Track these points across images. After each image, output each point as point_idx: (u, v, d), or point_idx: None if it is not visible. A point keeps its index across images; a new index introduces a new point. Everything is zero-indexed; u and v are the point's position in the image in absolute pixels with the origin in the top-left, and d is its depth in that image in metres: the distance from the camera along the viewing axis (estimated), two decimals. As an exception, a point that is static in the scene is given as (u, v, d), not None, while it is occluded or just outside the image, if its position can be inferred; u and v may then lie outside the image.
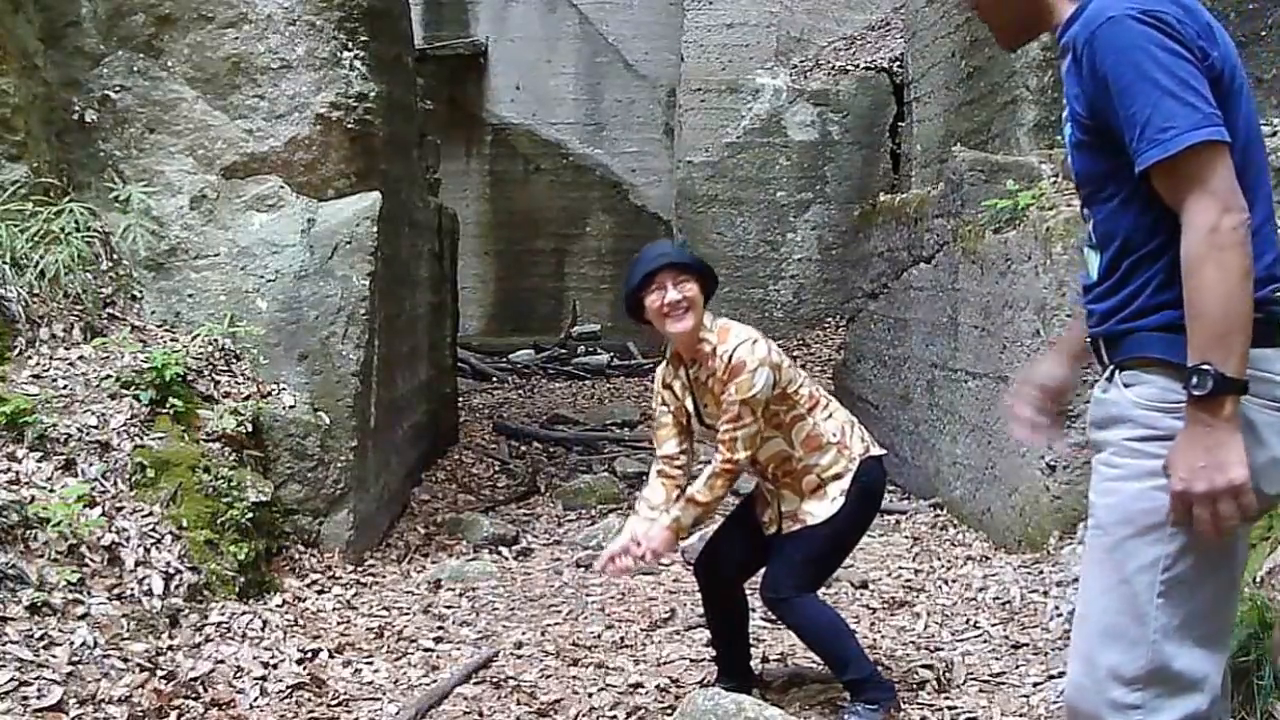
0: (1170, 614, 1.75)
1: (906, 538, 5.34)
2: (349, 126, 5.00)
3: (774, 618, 3.56)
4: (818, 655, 3.40)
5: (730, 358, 3.18)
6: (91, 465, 3.82)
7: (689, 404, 3.33)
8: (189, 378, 4.43)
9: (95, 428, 3.94)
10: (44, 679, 2.89)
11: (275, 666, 3.53)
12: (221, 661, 3.45)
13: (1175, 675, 1.75)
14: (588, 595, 4.62)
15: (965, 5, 1.98)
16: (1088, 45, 1.78)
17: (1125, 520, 1.79)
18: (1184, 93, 1.69)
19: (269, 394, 4.71)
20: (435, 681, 3.63)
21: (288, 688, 3.41)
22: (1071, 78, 1.84)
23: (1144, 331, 1.80)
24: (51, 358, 4.21)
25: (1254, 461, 1.70)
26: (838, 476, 3.26)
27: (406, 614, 4.29)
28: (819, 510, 3.26)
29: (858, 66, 11.34)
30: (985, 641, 3.89)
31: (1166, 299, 1.76)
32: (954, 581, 4.53)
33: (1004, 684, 3.53)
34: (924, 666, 3.63)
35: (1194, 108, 1.69)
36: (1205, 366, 1.66)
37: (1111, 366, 1.87)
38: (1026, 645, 3.78)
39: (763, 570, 3.43)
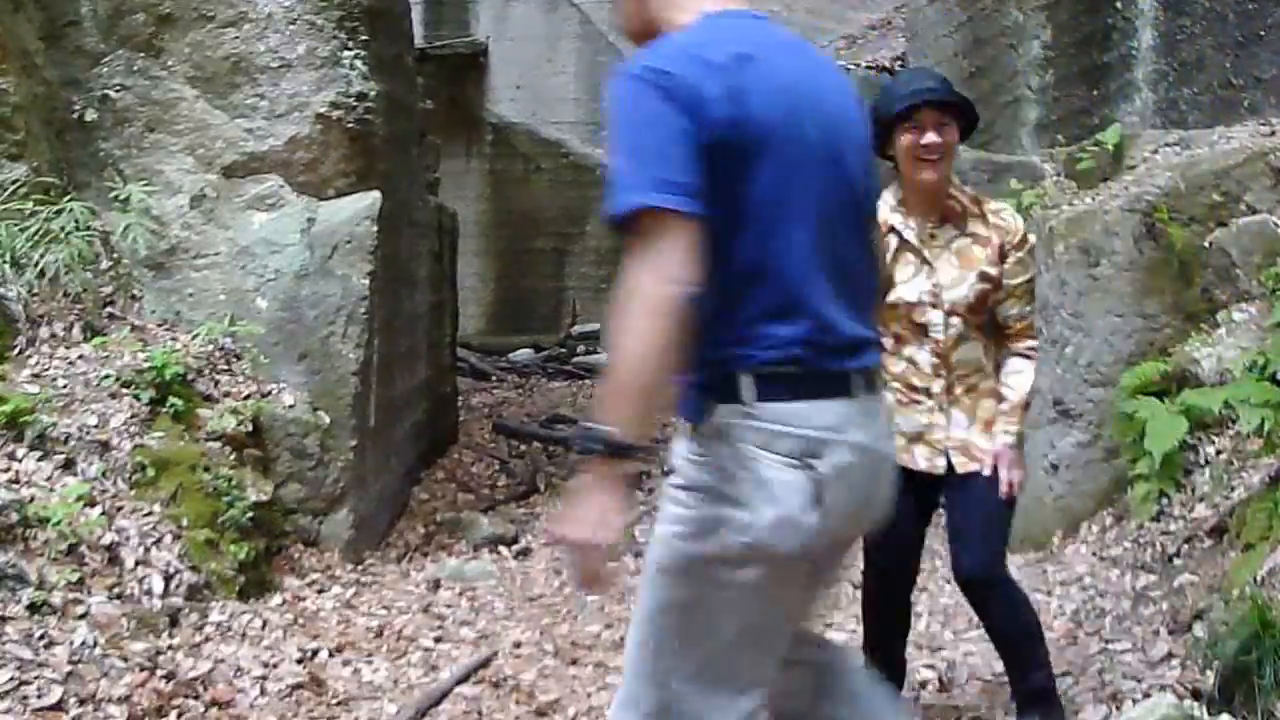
0: (681, 657, 1.76)
1: (907, 537, 5.33)
2: (349, 126, 4.99)
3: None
4: (1009, 652, 2.96)
5: (1016, 221, 2.86)
6: (91, 465, 3.81)
7: (912, 267, 2.85)
8: (189, 377, 4.42)
9: (95, 427, 3.94)
10: (44, 678, 2.89)
11: (275, 666, 3.53)
12: (221, 661, 3.45)
13: (680, 716, 1.77)
14: (587, 595, 4.62)
15: None
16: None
17: (653, 561, 1.82)
18: (647, 155, 1.68)
19: (269, 394, 4.71)
20: (434, 681, 3.62)
21: (288, 687, 3.41)
22: None
23: (678, 387, 1.81)
24: (51, 357, 4.21)
25: (765, 519, 1.70)
26: None
27: (406, 613, 4.28)
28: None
29: (859, 66, 11.32)
30: (987, 641, 3.87)
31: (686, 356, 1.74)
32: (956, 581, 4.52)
33: (1006, 683, 3.51)
34: (925, 666, 3.63)
35: (650, 171, 1.67)
36: (590, 426, 1.66)
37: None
38: (1027, 645, 3.77)
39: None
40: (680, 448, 1.81)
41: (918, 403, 2.86)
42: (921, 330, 2.84)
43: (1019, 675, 2.92)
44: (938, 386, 2.84)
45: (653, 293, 1.63)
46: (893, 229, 2.88)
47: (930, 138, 2.75)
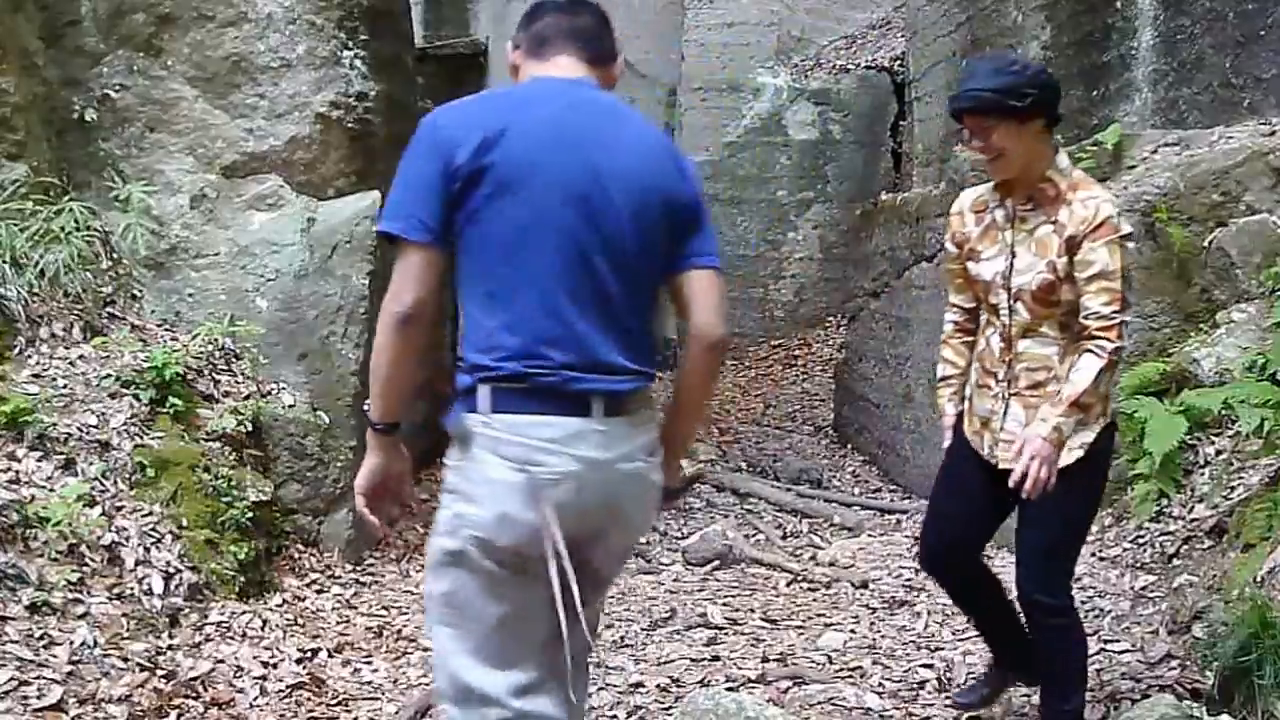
0: (454, 638, 2.05)
1: (907, 537, 5.33)
2: (349, 126, 5.00)
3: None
4: (1051, 679, 2.89)
5: (1098, 209, 2.64)
6: (91, 465, 3.81)
7: (998, 247, 2.80)
8: (189, 377, 4.42)
9: (95, 427, 3.94)
10: (44, 678, 2.90)
11: (275, 666, 3.54)
12: (221, 661, 3.46)
13: (467, 690, 2.04)
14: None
15: None
16: None
17: (427, 560, 2.12)
18: (403, 189, 1.99)
19: (269, 393, 4.71)
20: (434, 681, 3.62)
21: (287, 687, 3.42)
22: None
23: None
24: (51, 357, 4.21)
25: (489, 514, 1.97)
26: (1083, 424, 2.69)
27: (406, 613, 4.28)
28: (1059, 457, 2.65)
29: (859, 65, 11.34)
30: (986, 641, 3.89)
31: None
32: (954, 581, 4.52)
33: (1004, 684, 3.52)
34: (924, 666, 3.64)
35: (399, 204, 1.98)
36: (365, 406, 2.09)
37: None
38: (1027, 645, 3.77)
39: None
40: (448, 456, 2.06)
41: (988, 387, 2.86)
42: (994, 311, 2.83)
43: (1055, 698, 2.88)
44: (1002, 373, 2.81)
45: (385, 308, 1.98)
46: (986, 206, 2.87)
47: (975, 144, 2.74)
